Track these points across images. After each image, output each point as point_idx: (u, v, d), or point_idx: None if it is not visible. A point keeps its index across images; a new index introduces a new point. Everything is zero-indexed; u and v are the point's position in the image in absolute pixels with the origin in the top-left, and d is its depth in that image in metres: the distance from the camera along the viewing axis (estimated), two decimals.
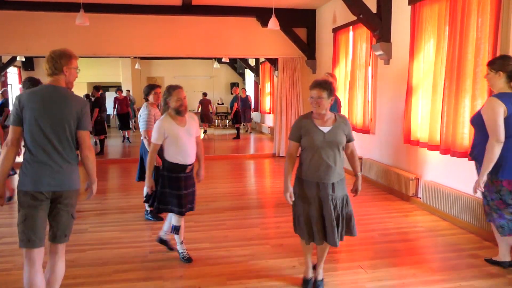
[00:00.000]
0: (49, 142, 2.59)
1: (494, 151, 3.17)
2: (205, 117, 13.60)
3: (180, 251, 3.76)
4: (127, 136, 12.29)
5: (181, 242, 3.76)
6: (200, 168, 3.83)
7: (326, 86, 2.92)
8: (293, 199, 3.05)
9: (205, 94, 14.49)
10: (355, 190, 3.16)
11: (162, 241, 3.92)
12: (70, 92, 2.73)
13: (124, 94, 12.63)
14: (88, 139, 2.73)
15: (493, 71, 3.30)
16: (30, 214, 2.57)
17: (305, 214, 3.02)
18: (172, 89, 3.53)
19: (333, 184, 2.96)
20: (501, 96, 3.23)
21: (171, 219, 3.73)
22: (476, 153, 3.40)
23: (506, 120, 3.18)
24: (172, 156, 3.54)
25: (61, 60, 2.65)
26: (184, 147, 3.53)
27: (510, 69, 3.25)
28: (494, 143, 3.17)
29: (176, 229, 3.67)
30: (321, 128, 2.95)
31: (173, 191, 3.56)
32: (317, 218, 2.98)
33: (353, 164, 3.18)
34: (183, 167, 3.57)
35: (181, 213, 3.59)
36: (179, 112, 3.52)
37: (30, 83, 4.30)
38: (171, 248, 3.90)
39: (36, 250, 2.62)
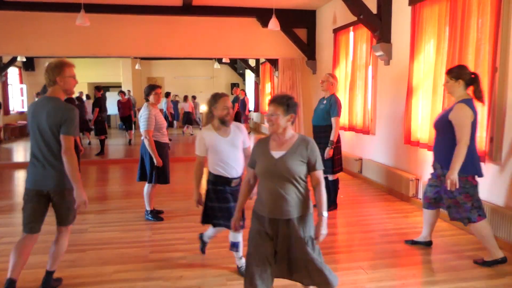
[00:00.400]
0: (39, 147, 2.91)
1: (464, 152, 3.38)
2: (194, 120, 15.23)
3: (239, 266, 3.52)
4: (129, 138, 12.27)
5: (240, 258, 3.51)
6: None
7: (283, 101, 2.46)
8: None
9: (194, 98, 15.60)
10: (316, 237, 2.48)
11: (201, 240, 3.81)
12: (58, 103, 2.91)
13: (126, 96, 12.63)
14: (68, 144, 2.86)
15: (453, 79, 3.54)
16: (25, 207, 2.99)
17: (261, 252, 2.48)
18: (218, 97, 3.31)
19: (288, 220, 2.44)
20: (467, 102, 3.46)
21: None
22: (447, 156, 3.49)
23: (472, 124, 3.43)
24: (214, 168, 3.32)
25: (53, 72, 2.89)
26: (226, 159, 3.29)
27: (467, 77, 3.51)
28: (463, 145, 3.38)
29: (234, 246, 3.41)
30: (273, 153, 2.48)
31: (222, 205, 3.32)
32: (283, 256, 2.50)
33: (317, 200, 2.52)
34: (227, 180, 3.31)
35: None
36: (224, 122, 3.29)
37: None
38: (203, 251, 3.83)
39: (25, 234, 2.97)
